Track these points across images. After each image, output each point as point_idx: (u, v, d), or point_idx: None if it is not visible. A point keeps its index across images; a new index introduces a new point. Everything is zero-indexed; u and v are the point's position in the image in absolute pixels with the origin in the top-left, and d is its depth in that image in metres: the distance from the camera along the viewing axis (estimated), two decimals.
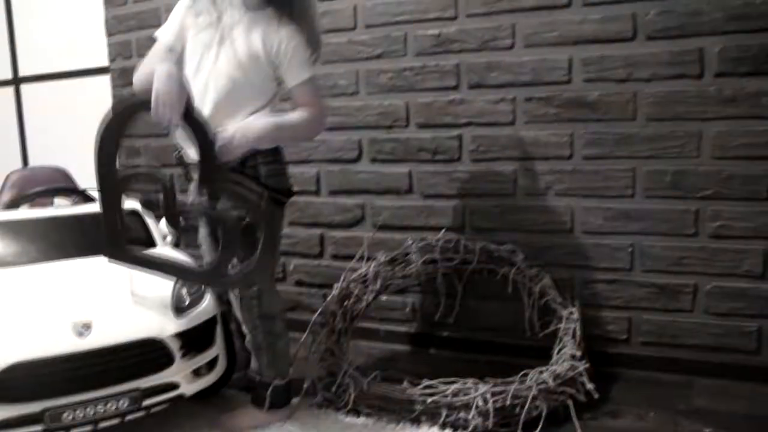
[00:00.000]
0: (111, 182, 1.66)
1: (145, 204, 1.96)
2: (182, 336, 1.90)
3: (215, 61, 1.82)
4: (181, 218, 1.88)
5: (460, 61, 2.44)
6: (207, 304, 2.03)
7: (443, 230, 2.46)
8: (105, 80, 3.39)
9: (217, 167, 1.68)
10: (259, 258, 1.72)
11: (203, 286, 2.05)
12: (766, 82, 2.06)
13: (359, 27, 2.60)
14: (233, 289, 1.93)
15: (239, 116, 1.80)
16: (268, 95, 1.86)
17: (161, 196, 1.76)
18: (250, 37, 1.80)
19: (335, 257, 2.75)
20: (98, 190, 1.67)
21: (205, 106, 1.80)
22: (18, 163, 3.98)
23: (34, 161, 3.96)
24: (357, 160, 2.66)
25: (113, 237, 1.68)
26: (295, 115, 1.82)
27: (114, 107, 1.68)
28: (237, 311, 2.00)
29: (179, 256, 2.00)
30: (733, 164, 2.12)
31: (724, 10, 2.08)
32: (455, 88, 2.46)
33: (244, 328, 2.01)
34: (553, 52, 2.30)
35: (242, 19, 1.81)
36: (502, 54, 2.37)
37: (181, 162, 1.95)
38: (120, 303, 1.91)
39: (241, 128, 1.74)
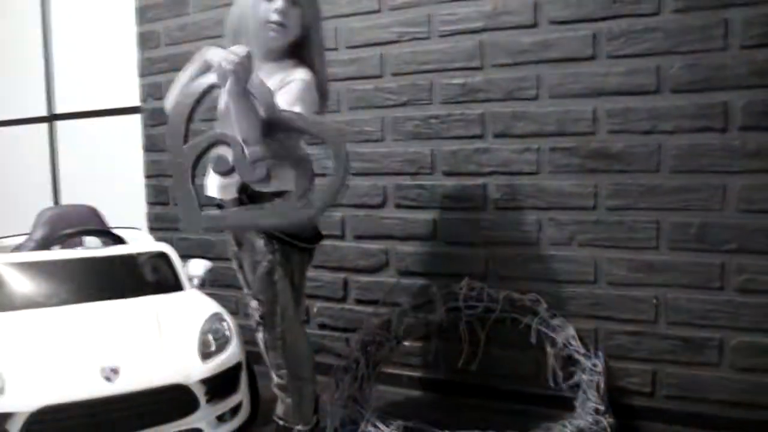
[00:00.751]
0: (182, 156, 1.65)
1: (217, 165, 1.81)
2: (208, 382, 1.93)
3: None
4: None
5: (486, 110, 2.47)
6: (233, 350, 2.06)
7: (466, 278, 2.46)
8: (136, 119, 3.46)
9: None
10: (329, 188, 1.65)
11: (228, 333, 2.08)
12: None
13: (386, 75, 2.64)
14: (318, 217, 1.81)
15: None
16: None
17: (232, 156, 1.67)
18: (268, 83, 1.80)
19: (359, 301, 2.77)
20: (172, 166, 1.68)
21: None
22: (49, 199, 4.05)
23: (65, 198, 4.03)
24: (382, 205, 2.68)
25: (188, 210, 1.65)
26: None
27: (186, 90, 1.70)
28: (262, 353, 1.99)
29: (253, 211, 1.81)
30: (759, 218, 2.12)
31: (748, 65, 2.09)
32: (480, 136, 2.49)
33: (271, 371, 2.00)
34: (578, 103, 2.32)
35: (261, 67, 1.79)
36: (527, 104, 2.40)
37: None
38: (147, 348, 1.95)
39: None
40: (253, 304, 1.92)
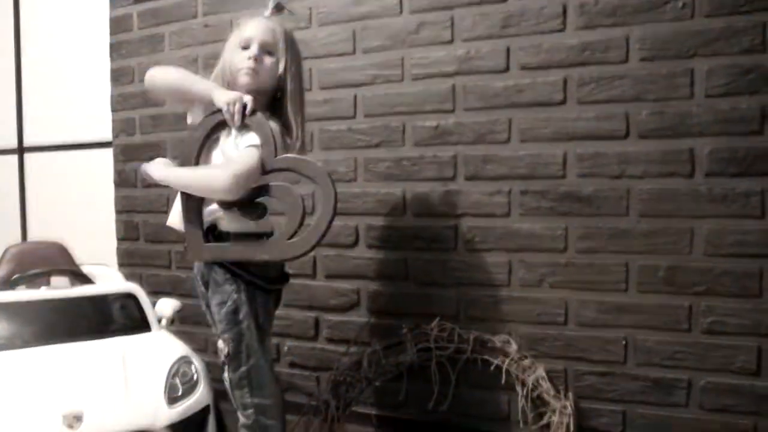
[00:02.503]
0: None
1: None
2: (175, 427, 1.91)
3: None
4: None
5: (457, 152, 2.50)
6: (201, 394, 2.04)
7: (437, 318, 2.46)
8: (107, 154, 3.44)
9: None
10: (316, 225, 1.84)
11: (196, 376, 2.06)
12: (754, 183, 2.11)
13: (359, 116, 2.67)
14: (293, 259, 1.94)
15: None
16: None
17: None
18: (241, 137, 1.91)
19: (330, 340, 2.75)
20: (181, 197, 1.93)
21: None
22: (17, 233, 4.00)
23: (32, 232, 3.98)
24: (354, 245, 2.69)
25: (193, 241, 1.89)
26: (206, 168, 1.92)
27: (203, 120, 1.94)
28: (229, 392, 1.99)
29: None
30: (725, 261, 2.15)
31: (713, 114, 2.14)
32: (452, 178, 2.51)
33: (237, 411, 1.99)
34: (549, 147, 2.36)
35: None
36: (498, 147, 2.43)
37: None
38: (113, 392, 1.92)
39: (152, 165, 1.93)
40: (219, 343, 1.94)
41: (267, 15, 2.03)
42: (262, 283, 1.93)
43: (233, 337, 1.90)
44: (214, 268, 1.92)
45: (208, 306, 2.02)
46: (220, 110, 1.87)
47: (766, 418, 2.12)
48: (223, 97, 1.86)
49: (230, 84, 1.99)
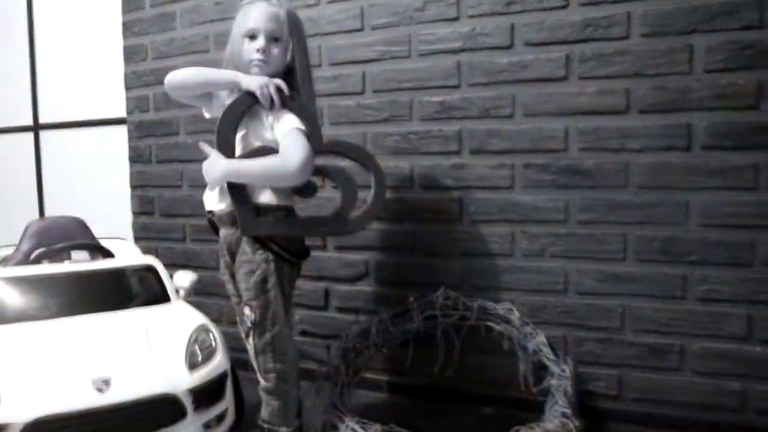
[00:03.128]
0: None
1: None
2: (195, 391, 2.00)
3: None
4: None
5: (462, 127, 2.57)
6: (219, 360, 2.14)
7: (443, 287, 2.55)
8: (122, 131, 3.51)
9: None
10: (371, 205, 2.10)
11: (215, 343, 2.16)
12: (748, 157, 2.18)
13: (367, 92, 2.73)
14: (355, 232, 2.19)
15: None
16: None
17: None
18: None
19: (339, 309, 2.86)
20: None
21: None
22: (34, 209, 4.09)
23: (49, 208, 4.07)
24: None
25: (245, 216, 1.94)
26: (270, 158, 1.93)
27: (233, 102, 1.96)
28: (252, 358, 2.08)
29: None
30: (719, 232, 2.24)
31: (711, 89, 2.21)
32: (457, 152, 2.59)
33: (258, 375, 2.07)
34: (551, 121, 2.43)
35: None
36: (502, 122, 2.50)
37: (211, 224, 2.12)
38: (137, 359, 2.02)
39: (210, 165, 1.95)
40: (246, 311, 2.01)
41: None
42: (289, 255, 2.01)
43: (260, 305, 1.97)
44: (245, 240, 1.98)
45: (232, 276, 2.09)
46: (245, 95, 1.93)
47: (755, 381, 2.23)
48: (254, 82, 1.90)
49: (247, 70, 2.00)
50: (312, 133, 1.93)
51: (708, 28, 2.20)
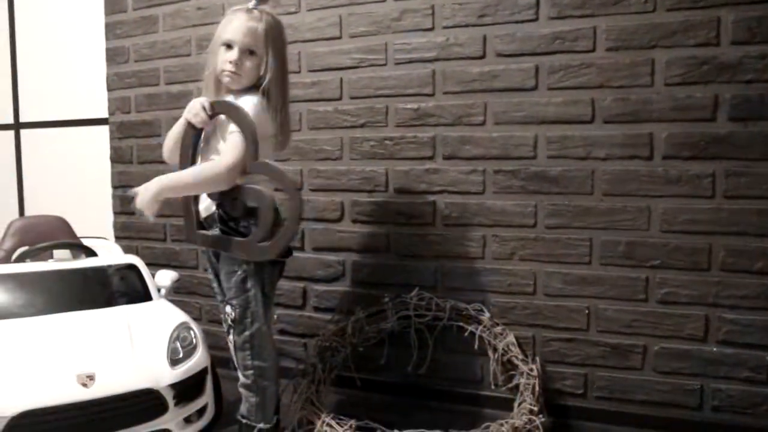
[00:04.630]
0: None
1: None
2: (176, 386, 2.07)
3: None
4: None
5: (436, 133, 2.65)
6: (199, 357, 2.21)
7: (417, 288, 2.64)
8: (104, 131, 3.55)
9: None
10: (282, 234, 1.91)
11: (195, 340, 2.23)
12: (706, 166, 2.29)
13: (345, 98, 2.81)
14: (268, 258, 1.99)
15: None
16: None
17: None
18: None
19: (317, 309, 2.92)
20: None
21: None
22: (14, 208, 4.10)
23: (29, 207, 4.08)
24: (339, 220, 2.84)
25: (190, 229, 2.04)
26: (206, 163, 2.00)
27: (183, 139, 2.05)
28: (232, 354, 2.13)
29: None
30: (678, 237, 2.34)
31: (671, 101, 2.31)
32: (431, 158, 2.67)
33: (238, 372, 2.13)
34: (521, 129, 2.52)
35: (237, 97, 2.02)
36: (474, 129, 2.59)
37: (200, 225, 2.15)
38: (120, 355, 2.08)
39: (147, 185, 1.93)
40: (227, 309, 2.07)
41: (251, 6, 2.04)
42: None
43: (240, 304, 2.03)
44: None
45: (216, 275, 2.16)
46: (188, 127, 2.01)
47: (712, 379, 2.34)
48: (187, 114, 2.00)
49: (220, 78, 2.05)
50: (247, 147, 1.90)
51: (668, 44, 2.31)
